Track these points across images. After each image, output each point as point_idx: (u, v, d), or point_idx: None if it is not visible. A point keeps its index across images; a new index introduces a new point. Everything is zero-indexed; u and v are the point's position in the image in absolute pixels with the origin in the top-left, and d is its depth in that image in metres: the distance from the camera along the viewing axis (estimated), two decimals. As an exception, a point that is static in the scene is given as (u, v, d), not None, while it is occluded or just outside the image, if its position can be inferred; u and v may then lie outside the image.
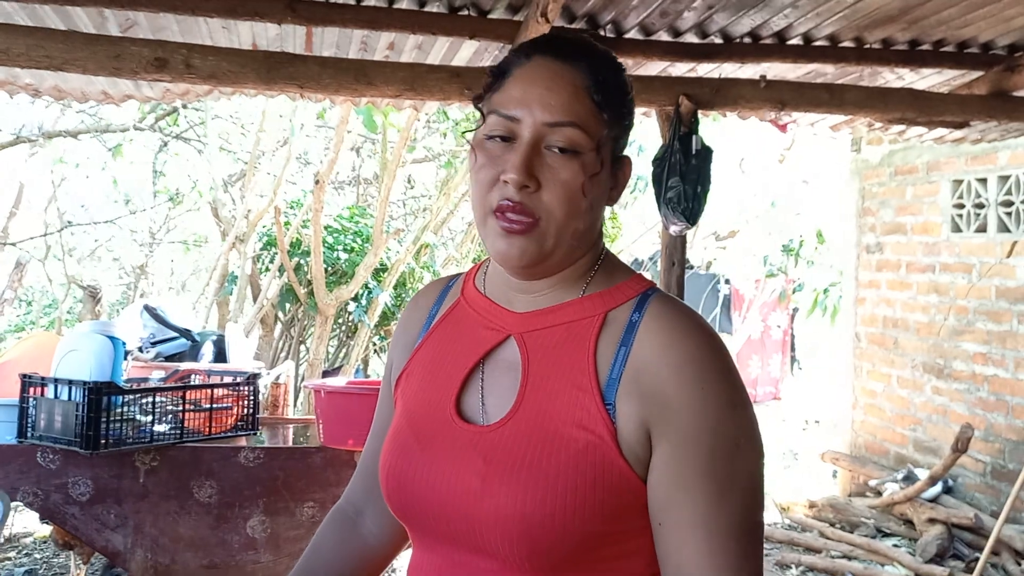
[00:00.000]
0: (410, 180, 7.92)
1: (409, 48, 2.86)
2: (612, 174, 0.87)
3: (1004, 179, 4.34)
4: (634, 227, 8.55)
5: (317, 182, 5.03)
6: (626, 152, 0.90)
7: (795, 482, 5.47)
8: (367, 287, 5.68)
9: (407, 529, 0.90)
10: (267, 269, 6.28)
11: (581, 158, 0.82)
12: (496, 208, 0.82)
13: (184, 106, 6.06)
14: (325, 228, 5.59)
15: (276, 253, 5.83)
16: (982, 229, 4.44)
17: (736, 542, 0.77)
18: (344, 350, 6.58)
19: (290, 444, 2.94)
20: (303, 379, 5.50)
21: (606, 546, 0.80)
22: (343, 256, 5.83)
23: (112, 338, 2.65)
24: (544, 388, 0.82)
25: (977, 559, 3.71)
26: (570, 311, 0.86)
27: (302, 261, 5.81)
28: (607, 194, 0.87)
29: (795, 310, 7.55)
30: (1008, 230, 4.31)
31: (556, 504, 0.77)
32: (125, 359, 2.86)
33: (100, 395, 2.47)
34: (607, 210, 0.95)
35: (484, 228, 0.84)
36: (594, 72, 0.83)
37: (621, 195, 0.90)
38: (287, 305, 6.12)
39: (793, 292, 7.44)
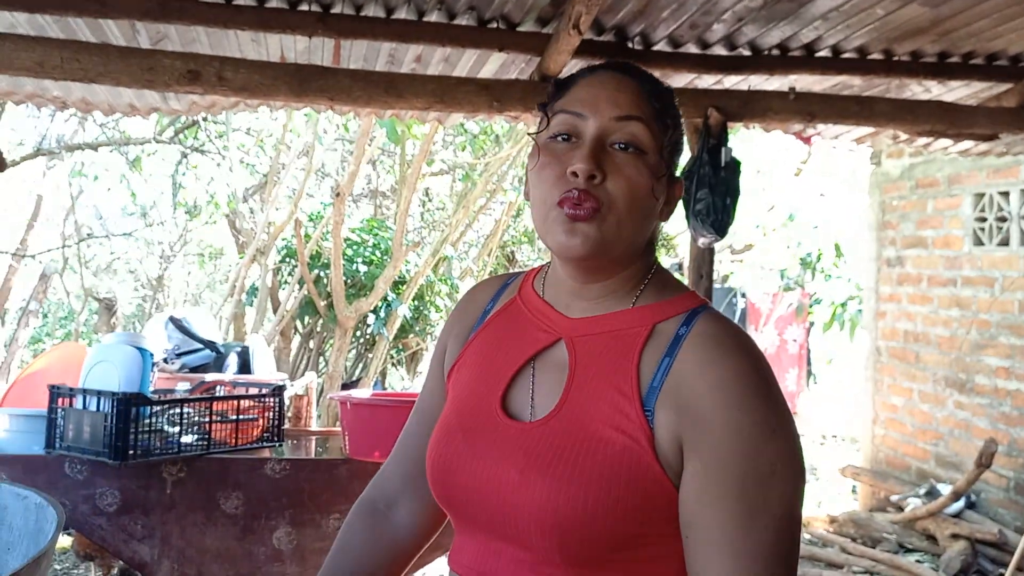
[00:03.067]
0: (427, 193, 7.94)
1: (436, 60, 2.87)
2: (666, 188, 0.89)
3: (1027, 192, 4.32)
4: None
5: (338, 195, 5.05)
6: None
7: (815, 497, 5.42)
8: (386, 300, 5.68)
9: (450, 516, 0.93)
10: (286, 282, 6.30)
11: (645, 158, 0.85)
12: (560, 200, 0.83)
13: (204, 119, 6.09)
14: (344, 240, 5.61)
15: (295, 265, 5.85)
16: (1004, 243, 4.42)
17: (764, 567, 0.76)
18: (362, 363, 6.58)
19: (313, 456, 2.94)
20: (322, 391, 5.50)
21: (638, 548, 0.81)
22: (362, 268, 5.84)
23: (141, 349, 2.65)
24: (587, 390, 0.84)
25: (1002, 575, 3.66)
26: (620, 320, 0.87)
27: (321, 273, 5.83)
28: (661, 207, 0.89)
29: (811, 324, 7.50)
30: (1031, 243, 4.28)
31: (588, 501, 0.79)
32: (152, 370, 2.87)
33: (129, 406, 2.46)
34: None
35: (546, 223, 0.85)
36: (653, 84, 0.90)
37: (672, 213, 0.91)
38: (306, 317, 6.14)
39: (810, 306, 7.40)
